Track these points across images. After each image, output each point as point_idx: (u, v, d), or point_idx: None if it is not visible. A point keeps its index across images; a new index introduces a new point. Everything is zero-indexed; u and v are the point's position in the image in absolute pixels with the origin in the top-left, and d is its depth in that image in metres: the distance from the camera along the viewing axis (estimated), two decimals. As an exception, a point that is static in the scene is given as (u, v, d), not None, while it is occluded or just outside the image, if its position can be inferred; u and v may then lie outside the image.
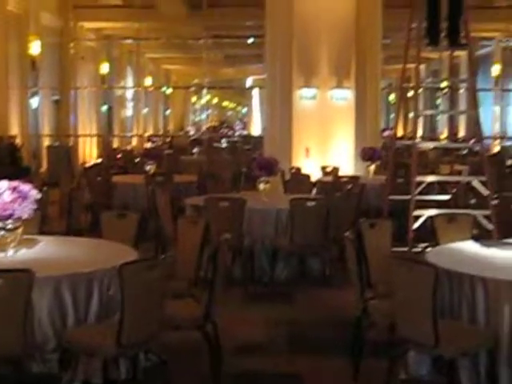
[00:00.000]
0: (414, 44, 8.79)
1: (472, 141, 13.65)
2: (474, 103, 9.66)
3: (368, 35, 15.01)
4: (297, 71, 14.63)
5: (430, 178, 9.21)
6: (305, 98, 14.60)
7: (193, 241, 6.30)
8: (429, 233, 7.04)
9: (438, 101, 28.63)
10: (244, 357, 6.31)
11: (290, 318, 7.42)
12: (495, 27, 22.65)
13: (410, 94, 21.79)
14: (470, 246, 6.13)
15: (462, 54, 24.43)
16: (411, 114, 12.82)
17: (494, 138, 24.30)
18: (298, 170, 13.41)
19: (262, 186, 9.37)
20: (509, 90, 23.05)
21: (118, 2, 21.12)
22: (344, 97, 14.57)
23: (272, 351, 6.47)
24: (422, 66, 30.02)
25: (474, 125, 10.09)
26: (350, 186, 10.91)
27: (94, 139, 23.43)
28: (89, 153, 22.91)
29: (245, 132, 37.74)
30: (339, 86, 14.56)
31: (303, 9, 14.42)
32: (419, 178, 8.52)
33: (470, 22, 8.78)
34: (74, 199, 9.45)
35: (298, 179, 12.29)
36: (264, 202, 9.17)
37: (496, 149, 23.21)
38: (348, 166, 14.12)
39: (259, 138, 20.83)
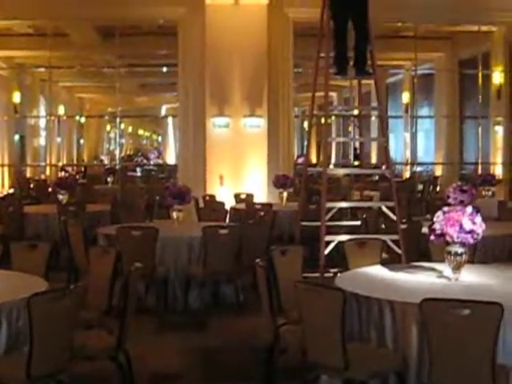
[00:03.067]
0: (323, 72, 8.95)
1: (383, 167, 13.87)
2: (383, 130, 9.85)
3: (280, 64, 15.23)
4: (210, 100, 14.73)
5: (340, 204, 9.37)
6: (218, 126, 14.71)
7: (104, 270, 6.28)
8: (340, 258, 7.14)
9: (351, 128, 29.11)
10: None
11: (204, 345, 7.43)
12: (404, 56, 23.19)
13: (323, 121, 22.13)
14: (379, 271, 6.25)
15: (372, 82, 24.91)
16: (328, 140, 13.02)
17: (405, 164, 24.81)
18: (212, 197, 13.47)
19: (175, 215, 9.38)
20: (419, 117, 23.55)
21: (30, 31, 20.88)
22: (257, 125, 14.74)
23: (186, 380, 6.47)
24: (334, 94, 30.58)
25: (384, 151, 10.29)
26: (262, 213, 11.01)
27: (6, 169, 23.04)
28: (1, 183, 22.52)
29: (160, 160, 37.64)
30: (252, 114, 14.72)
31: (215, 38, 14.55)
32: (329, 204, 8.65)
33: (375, 52, 9.00)
34: (-17, 230, 9.30)
35: (212, 207, 12.34)
36: (177, 230, 9.18)
37: (407, 174, 23.68)
38: (261, 193, 14.24)
39: (174, 167, 20.79)
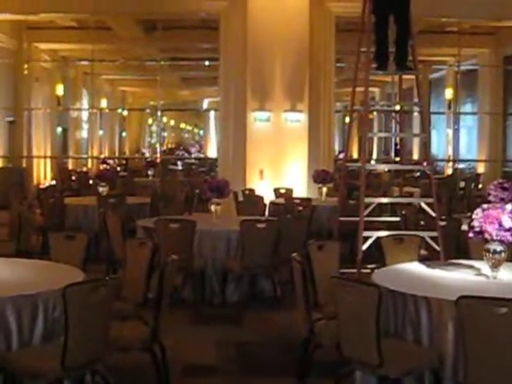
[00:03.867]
0: (364, 67, 8.90)
1: (424, 163, 13.80)
2: (424, 126, 9.77)
3: (321, 58, 15.18)
4: (251, 94, 14.72)
5: (380, 200, 9.32)
6: (259, 120, 14.69)
7: (141, 262, 6.30)
8: (378, 254, 7.10)
9: (393, 124, 28.96)
10: (192, 378, 6.31)
11: (240, 339, 7.43)
12: (447, 52, 23.00)
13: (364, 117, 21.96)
14: (416, 267, 6.21)
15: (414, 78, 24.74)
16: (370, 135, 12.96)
17: (447, 161, 24.61)
18: (252, 191, 13.46)
19: (213, 208, 9.39)
20: (461, 114, 23.35)
21: (73, 24, 21.06)
22: (297, 119, 14.70)
23: (221, 373, 6.47)
24: (377, 89, 30.43)
25: (424, 147, 10.21)
26: (301, 208, 10.98)
27: (48, 161, 23.27)
28: (43, 174, 22.75)
29: (201, 154, 37.76)
30: (293, 108, 14.68)
31: (257, 32, 14.54)
32: (368, 200, 8.60)
33: (418, 47, 8.93)
34: (24, 221, 9.39)
35: (251, 201, 12.34)
36: (215, 224, 9.19)
37: (449, 171, 23.49)
38: (301, 188, 14.21)
39: (215, 160, 20.85)
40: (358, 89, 9.49)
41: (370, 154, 29.33)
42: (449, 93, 24.31)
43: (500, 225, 5.36)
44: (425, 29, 18.26)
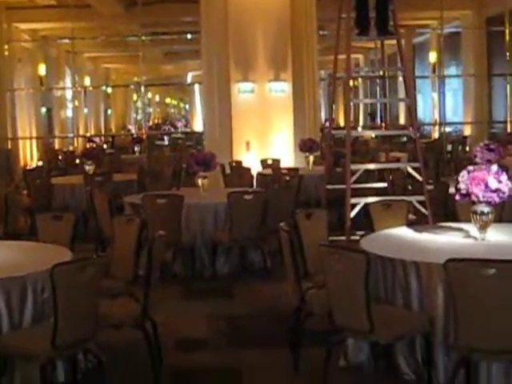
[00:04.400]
0: (345, 34, 8.84)
1: (410, 128, 13.72)
2: (409, 91, 9.73)
3: (303, 27, 15.09)
4: (234, 65, 14.64)
5: (365, 166, 9.29)
6: (243, 91, 14.62)
7: (130, 239, 6.28)
8: (366, 221, 7.09)
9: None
10: (184, 353, 6.30)
11: (231, 312, 7.43)
12: (430, 15, 22.92)
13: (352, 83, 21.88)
14: (404, 232, 6.20)
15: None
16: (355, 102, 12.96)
17: (433, 125, 24.61)
18: (239, 163, 13.44)
19: (200, 182, 9.36)
20: (446, 77, 23.29)
21: (53, 2, 20.86)
22: (282, 89, 14.63)
23: (212, 346, 6.47)
24: (361, 56, 30.34)
25: (410, 112, 10.18)
26: (288, 178, 10.96)
27: (35, 141, 23.15)
28: (30, 156, 22.65)
29: (187, 129, 37.65)
30: (277, 78, 14.61)
31: (238, 3, 14.43)
32: (354, 167, 8.59)
33: (398, 12, 8.87)
34: (11, 203, 9.35)
35: (238, 173, 12.32)
36: (203, 197, 9.17)
37: (435, 135, 23.50)
38: (288, 158, 14.19)
39: (201, 134, 20.79)
40: (341, 56, 9.43)
41: (356, 120, 29.32)
42: (433, 56, 24.27)
43: (486, 186, 5.35)
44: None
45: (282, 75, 14.65)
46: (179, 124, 40.00)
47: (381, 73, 12.24)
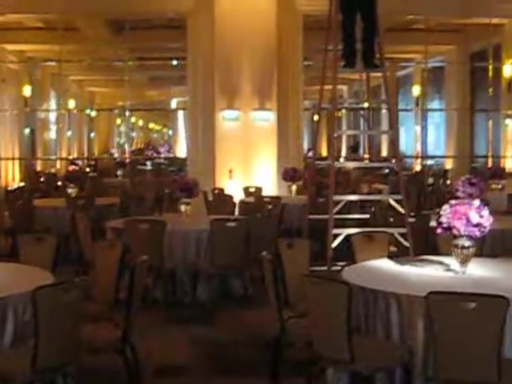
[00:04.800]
0: (331, 65, 8.93)
1: (393, 160, 13.86)
2: (392, 123, 9.82)
3: (289, 56, 15.20)
4: (219, 93, 14.71)
5: (348, 197, 9.35)
6: (227, 119, 14.68)
7: (111, 263, 6.27)
8: (348, 251, 7.13)
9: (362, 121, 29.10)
10: (164, 379, 6.30)
11: (211, 338, 7.43)
12: (415, 49, 23.16)
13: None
14: (386, 264, 6.23)
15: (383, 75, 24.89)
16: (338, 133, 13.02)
17: (415, 157, 24.77)
18: (221, 190, 13.46)
19: (183, 208, 9.37)
20: (429, 110, 23.49)
21: (40, 25, 20.90)
22: (266, 118, 14.70)
23: (192, 372, 6.47)
24: (345, 87, 30.53)
25: (393, 144, 10.27)
26: (271, 207, 11.00)
27: (17, 163, 23.08)
28: (11, 176, 22.57)
29: (170, 154, 37.67)
30: (261, 107, 14.69)
31: (224, 31, 14.52)
32: (337, 197, 8.64)
33: (385, 45, 8.98)
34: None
35: (221, 200, 12.34)
36: (185, 224, 9.17)
37: (417, 168, 23.64)
38: (271, 186, 14.23)
39: (184, 160, 20.81)
40: (326, 87, 9.52)
41: (339, 151, 29.45)
42: (416, 90, 24.47)
43: (468, 220, 5.40)
44: (392, 26, 18.36)
45: (267, 104, 14.73)
46: (162, 149, 39.99)
47: (365, 105, 12.35)
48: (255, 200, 12.24)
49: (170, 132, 45.03)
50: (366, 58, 8.65)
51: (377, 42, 8.69)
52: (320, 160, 12.89)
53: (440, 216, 5.59)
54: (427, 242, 8.54)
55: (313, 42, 14.71)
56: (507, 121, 19.31)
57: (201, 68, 15.10)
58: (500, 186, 13.27)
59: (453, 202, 5.63)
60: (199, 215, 10.77)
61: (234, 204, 12.02)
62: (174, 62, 25.02)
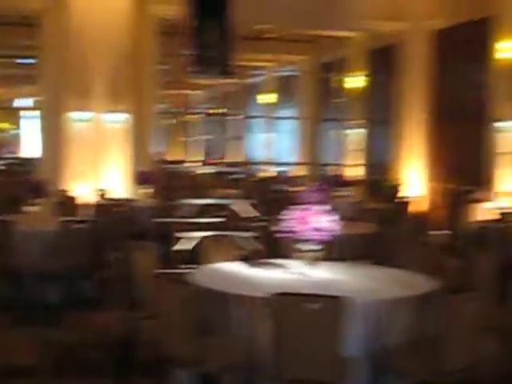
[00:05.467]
0: (184, 71, 9.02)
1: (243, 166, 14.12)
2: (243, 130, 9.99)
3: (144, 60, 15.16)
4: (71, 93, 14.51)
5: (197, 201, 9.46)
6: (79, 120, 14.50)
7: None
8: (198, 254, 7.21)
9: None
10: (11, 380, 6.19)
11: (60, 340, 7.34)
12: (268, 58, 23.59)
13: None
14: (234, 266, 6.37)
15: (237, 82, 25.21)
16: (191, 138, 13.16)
17: (265, 163, 25.17)
18: (70, 192, 13.29)
19: (31, 208, 9.23)
20: (280, 118, 23.96)
21: None
22: (119, 120, 14.62)
23: (40, 374, 6.38)
24: (201, 92, 30.71)
25: (243, 150, 10.46)
26: (121, 209, 10.97)
27: None
28: None
29: (15, 154, 36.70)
30: (115, 109, 14.58)
31: (79, 32, 14.34)
32: (186, 201, 8.73)
33: (238, 53, 9.15)
34: None
35: (71, 201, 12.18)
36: (32, 225, 9.03)
37: (268, 174, 24.05)
38: (123, 189, 14.15)
39: (35, 161, 20.36)
40: (180, 91, 9.59)
41: (192, 156, 29.57)
42: (268, 97, 24.92)
43: (311, 225, 5.60)
44: (246, 35, 18.64)
45: (120, 106, 14.64)
46: (5, 150, 38.90)
47: (219, 110, 12.55)
48: (105, 202, 12.16)
49: (19, 132, 43.91)
50: (219, 64, 8.80)
51: (230, 49, 8.85)
52: (172, 164, 12.94)
53: (286, 221, 5.78)
54: (275, 246, 8.75)
55: (169, 46, 14.76)
56: (354, 130, 19.99)
57: (53, 68, 14.85)
58: (346, 194, 13.70)
59: (297, 207, 5.82)
60: (47, 216, 10.60)
61: (84, 205, 11.90)
62: (26, 61, 24.43)
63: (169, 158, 15.40)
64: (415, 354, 5.15)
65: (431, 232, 11.24)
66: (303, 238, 5.72)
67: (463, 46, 16.08)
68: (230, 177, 19.57)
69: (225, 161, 24.88)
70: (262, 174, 24.01)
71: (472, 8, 15.20)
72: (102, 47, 14.42)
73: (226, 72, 8.91)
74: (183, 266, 8.32)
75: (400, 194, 16.24)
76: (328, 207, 5.84)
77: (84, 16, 14.36)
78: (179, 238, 8.52)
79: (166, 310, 5.06)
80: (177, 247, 8.52)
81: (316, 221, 5.64)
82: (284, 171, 24.29)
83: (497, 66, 14.29)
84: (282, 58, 22.13)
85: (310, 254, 5.77)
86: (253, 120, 26.64)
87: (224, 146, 25.95)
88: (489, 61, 14.56)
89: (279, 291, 4.80)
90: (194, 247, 7.96)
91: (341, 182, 14.22)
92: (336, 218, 5.71)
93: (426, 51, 17.16)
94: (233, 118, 24.27)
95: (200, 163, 26.15)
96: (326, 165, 22.26)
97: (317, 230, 5.63)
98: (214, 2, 8.88)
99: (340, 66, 21.03)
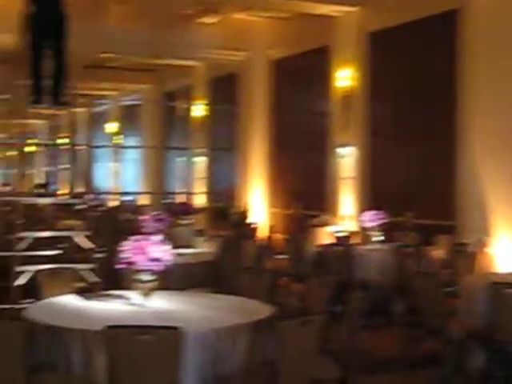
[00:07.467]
0: (21, 100, 8.88)
1: (88, 196, 13.94)
2: (84, 159, 9.90)
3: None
4: None
5: (36, 234, 9.28)
6: None
7: None
8: (35, 288, 7.07)
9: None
10: None
11: None
12: (111, 86, 23.49)
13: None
14: (71, 300, 6.26)
15: (81, 112, 24.93)
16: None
17: (111, 193, 24.96)
18: None
19: None
20: (124, 147, 23.84)
21: None
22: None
23: None
24: (45, 121, 30.17)
25: (86, 180, 10.36)
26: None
27: None
28: None
29: None
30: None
31: None
32: (24, 234, 8.55)
33: (77, 82, 9.08)
34: None
35: None
36: None
37: (114, 203, 23.83)
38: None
39: None
40: (18, 121, 9.43)
41: (33, 186, 28.94)
42: (112, 126, 24.78)
43: (148, 255, 5.59)
44: (89, 63, 18.54)
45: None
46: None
47: (58, 141, 12.35)
48: None
49: None
50: (55, 94, 8.69)
51: (66, 78, 8.76)
52: (8, 195, 12.64)
53: (122, 251, 5.75)
54: (114, 277, 8.68)
55: (8, 75, 14.43)
56: (198, 158, 20.13)
57: None
58: (187, 222, 13.69)
59: (135, 237, 5.80)
60: None
61: None
62: None
63: (18, 189, 15.15)
64: (252, 381, 5.22)
65: (273, 257, 11.46)
66: (140, 268, 5.70)
67: (303, 74, 16.51)
68: (76, 207, 19.23)
69: (64, 192, 24.52)
70: (109, 204, 23.79)
71: (309, 38, 15.67)
72: None
73: (61, 102, 8.79)
74: (23, 302, 8.14)
75: (247, 221, 16.47)
76: (163, 236, 5.85)
77: None
78: (20, 273, 8.31)
79: (-4, 348, 4.92)
80: (18, 282, 8.31)
81: (152, 250, 5.64)
82: (131, 200, 24.15)
83: (335, 94, 14.77)
84: (126, 86, 22.04)
85: (147, 284, 5.74)
86: (98, 150, 26.41)
87: (72, 176, 25.51)
88: (328, 89, 15.02)
89: (112, 324, 4.75)
90: (30, 281, 7.80)
91: (185, 210, 14.22)
92: (170, 247, 5.73)
93: (266, 79, 17.51)
94: (78, 148, 23.96)
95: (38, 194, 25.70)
96: (171, 193, 22.28)
97: (152, 259, 5.62)
98: (50, 30, 8.76)
99: (183, 95, 21.16)
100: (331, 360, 5.91)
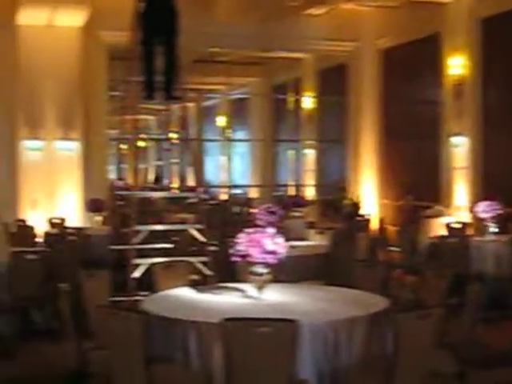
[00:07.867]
0: (133, 96, 9.02)
1: (200, 189, 14.08)
2: (195, 154, 10.00)
3: (94, 87, 15.16)
4: (22, 122, 14.44)
5: (150, 227, 9.42)
6: (30, 149, 14.42)
7: None
8: (151, 281, 7.17)
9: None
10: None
11: (12, 373, 7.25)
12: (220, 80, 23.67)
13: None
14: (185, 292, 6.32)
15: (191, 106, 25.24)
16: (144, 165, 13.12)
17: (221, 187, 25.18)
18: (23, 222, 13.17)
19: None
20: (234, 140, 23.99)
21: None
22: (70, 148, 14.57)
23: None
24: (153, 117, 30.68)
25: (197, 174, 10.47)
26: (74, 238, 10.88)
27: None
28: None
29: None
30: (65, 137, 14.54)
31: (28, 60, 14.29)
32: (139, 227, 8.69)
33: (187, 77, 9.17)
34: None
35: (23, 231, 12.07)
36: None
37: (224, 197, 24.04)
38: (76, 217, 14.06)
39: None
40: (130, 117, 9.59)
41: (146, 180, 29.48)
42: (222, 120, 24.96)
43: (262, 248, 5.59)
44: (198, 58, 18.73)
45: (71, 134, 14.60)
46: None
47: (170, 135, 12.51)
48: (59, 231, 12.06)
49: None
50: (167, 90, 8.80)
51: (177, 74, 8.85)
52: (123, 190, 12.89)
53: (237, 244, 5.77)
54: (228, 270, 8.74)
55: (118, 72, 14.73)
56: (307, 150, 20.07)
57: (3, 97, 14.74)
58: (299, 214, 13.71)
59: (249, 230, 5.81)
60: (0, 247, 10.49)
61: (37, 235, 11.79)
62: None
63: (129, 183, 15.41)
64: (369, 374, 5.16)
65: (386, 249, 11.33)
66: (255, 260, 5.70)
67: (412, 63, 16.27)
68: (187, 201, 19.50)
69: (175, 186, 24.88)
70: (220, 197, 24.02)
71: (419, 26, 15.41)
72: (52, 75, 14.39)
73: (173, 97, 8.89)
74: (137, 294, 8.27)
75: (360, 212, 16.33)
76: (276, 229, 5.84)
77: (32, 44, 14.30)
78: (137, 265, 8.47)
79: (115, 340, 5.00)
80: (134, 274, 8.47)
81: (267, 243, 5.63)
82: (241, 193, 24.31)
83: (447, 83, 14.48)
84: (235, 80, 22.17)
85: (261, 276, 5.74)
86: (207, 143, 26.70)
87: (182, 170, 25.93)
88: (439, 77, 14.75)
89: (229, 316, 4.77)
90: (145, 274, 7.92)
91: (297, 203, 14.25)
92: (284, 239, 5.71)
93: (375, 69, 17.33)
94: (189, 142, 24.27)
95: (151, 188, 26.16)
96: (281, 186, 22.33)
97: (267, 252, 5.62)
98: (162, 27, 8.87)
99: (292, 87, 21.15)
100: (449, 354, 5.78)
